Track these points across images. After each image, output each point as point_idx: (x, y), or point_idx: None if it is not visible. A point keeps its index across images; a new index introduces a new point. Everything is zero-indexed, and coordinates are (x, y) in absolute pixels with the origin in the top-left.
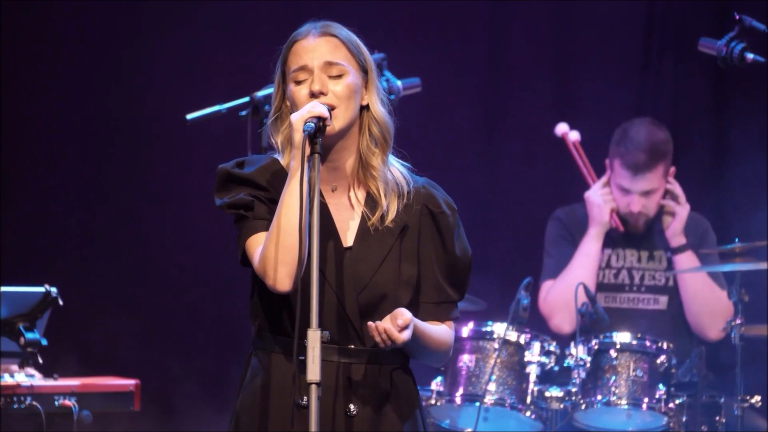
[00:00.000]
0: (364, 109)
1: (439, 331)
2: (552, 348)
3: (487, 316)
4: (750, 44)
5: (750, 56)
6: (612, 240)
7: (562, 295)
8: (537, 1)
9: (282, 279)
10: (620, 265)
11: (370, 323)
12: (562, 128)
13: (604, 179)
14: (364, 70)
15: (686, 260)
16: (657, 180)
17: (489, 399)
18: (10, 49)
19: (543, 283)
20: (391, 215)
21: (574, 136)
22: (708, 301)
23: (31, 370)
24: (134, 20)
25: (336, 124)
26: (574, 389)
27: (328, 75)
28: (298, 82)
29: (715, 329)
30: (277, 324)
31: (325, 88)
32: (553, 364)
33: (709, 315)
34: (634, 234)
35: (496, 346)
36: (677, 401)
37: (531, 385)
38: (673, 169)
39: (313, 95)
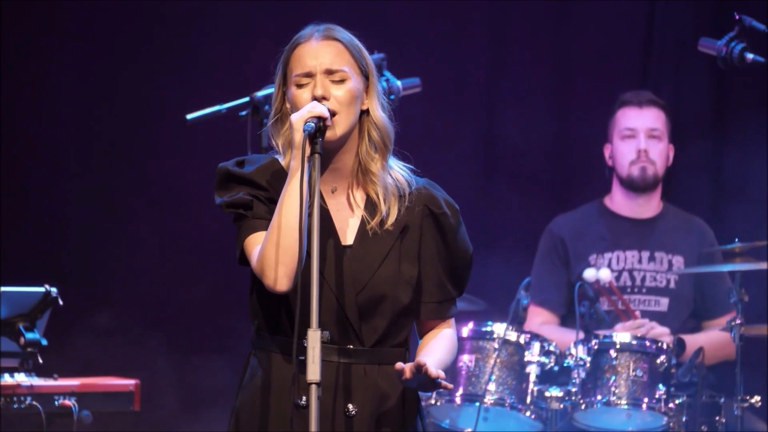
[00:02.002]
0: (365, 113)
1: (446, 343)
2: (552, 348)
3: (487, 316)
4: (750, 44)
5: (750, 56)
6: (613, 242)
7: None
8: (537, 1)
9: (280, 279)
10: (621, 267)
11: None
12: (590, 274)
13: (637, 322)
14: (366, 75)
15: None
16: (661, 122)
17: (489, 399)
18: (11, 50)
19: (529, 305)
20: (391, 219)
21: (604, 276)
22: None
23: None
24: (134, 20)
25: (337, 129)
26: (574, 389)
27: (330, 79)
28: (300, 86)
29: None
30: (276, 324)
31: (327, 93)
32: (553, 364)
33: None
34: (638, 223)
35: (496, 346)
36: (677, 401)
37: (531, 385)
38: (672, 147)
39: (315, 100)
